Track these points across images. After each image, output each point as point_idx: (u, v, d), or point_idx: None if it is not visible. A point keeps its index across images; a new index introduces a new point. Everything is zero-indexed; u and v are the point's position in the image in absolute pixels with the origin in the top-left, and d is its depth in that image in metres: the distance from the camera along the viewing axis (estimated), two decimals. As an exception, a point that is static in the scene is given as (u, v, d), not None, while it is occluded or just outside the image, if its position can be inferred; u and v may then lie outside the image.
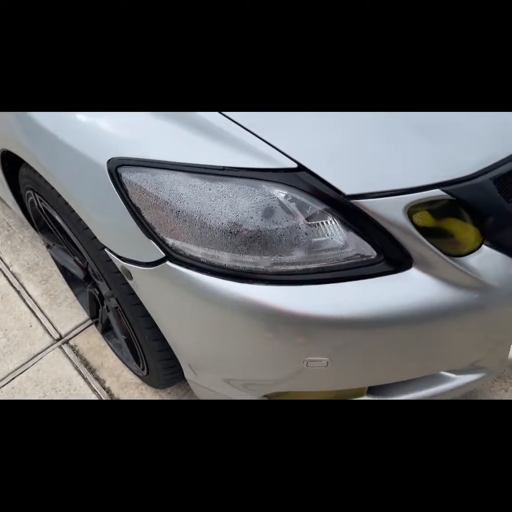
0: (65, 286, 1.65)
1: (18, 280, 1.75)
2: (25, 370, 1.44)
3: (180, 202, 0.73)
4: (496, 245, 0.83)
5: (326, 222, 0.75)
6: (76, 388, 1.39)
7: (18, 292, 1.70)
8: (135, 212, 0.77)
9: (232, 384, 0.94)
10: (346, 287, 0.78)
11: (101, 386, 1.40)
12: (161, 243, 0.78)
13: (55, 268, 1.65)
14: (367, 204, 0.74)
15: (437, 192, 0.75)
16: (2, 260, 1.84)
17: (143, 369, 1.18)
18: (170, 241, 0.77)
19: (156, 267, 0.80)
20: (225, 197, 0.73)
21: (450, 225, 0.80)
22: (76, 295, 1.52)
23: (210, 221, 0.73)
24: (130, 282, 0.88)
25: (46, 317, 1.61)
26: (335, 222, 0.75)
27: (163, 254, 0.79)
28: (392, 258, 0.79)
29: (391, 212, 0.74)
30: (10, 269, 1.80)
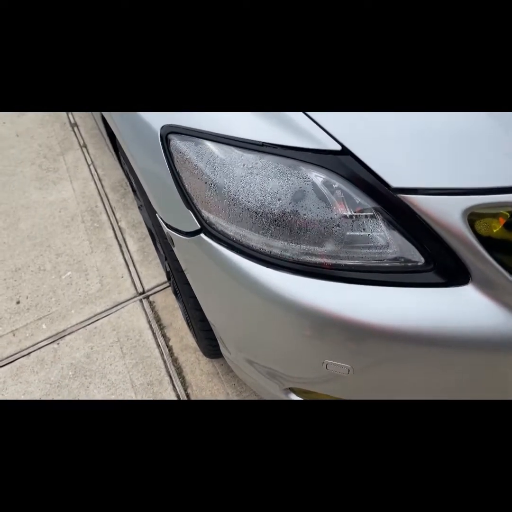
0: (157, 246, 1.78)
1: (122, 234, 1.93)
2: (108, 315, 1.60)
3: (214, 174, 0.72)
4: None
5: (366, 216, 0.66)
6: (144, 340, 1.50)
7: (120, 245, 1.88)
8: (177, 179, 0.78)
9: (256, 368, 0.91)
10: (381, 292, 0.69)
11: (166, 343, 1.48)
12: (198, 215, 0.77)
13: (153, 228, 1.79)
14: (417, 201, 0.63)
15: (508, 198, 0.61)
16: (114, 215, 2.04)
17: (194, 336, 1.21)
18: (205, 213, 0.76)
19: (192, 237, 0.80)
20: (257, 174, 0.69)
21: (527, 240, 0.65)
22: (158, 255, 1.62)
23: (239, 197, 0.70)
24: (174, 249, 0.90)
25: (136, 271, 1.76)
26: (377, 218, 0.66)
27: (199, 226, 0.78)
28: (444, 268, 0.67)
29: (446, 214, 0.63)
30: (119, 224, 1.99)
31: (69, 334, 1.57)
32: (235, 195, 0.70)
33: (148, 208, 0.97)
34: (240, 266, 0.75)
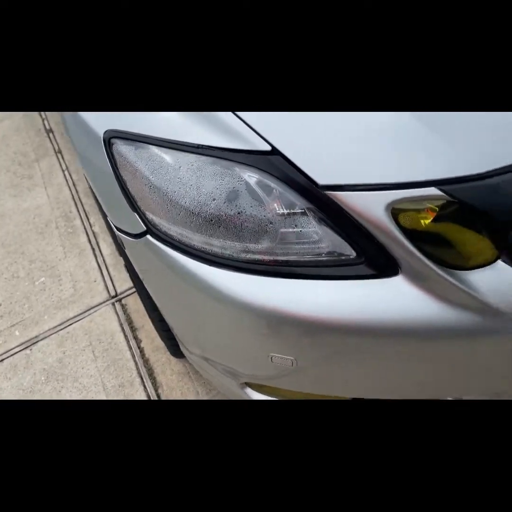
0: (130, 249, 1.80)
1: (96, 239, 1.95)
2: (80, 320, 1.62)
3: (153, 176, 0.74)
4: (517, 263, 0.68)
5: (297, 213, 0.69)
6: (116, 343, 1.52)
7: (93, 249, 1.90)
8: (121, 183, 0.80)
9: (212, 365, 0.94)
10: (317, 286, 0.71)
11: (137, 345, 1.50)
12: (143, 217, 0.80)
13: (125, 232, 1.81)
14: (343, 197, 0.66)
15: (431, 191, 0.64)
16: (88, 220, 2.06)
17: (160, 337, 1.23)
18: (149, 215, 0.79)
19: (140, 239, 0.83)
20: (194, 175, 0.71)
21: (451, 232, 0.68)
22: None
23: (177, 198, 0.72)
24: (125, 251, 0.92)
25: (109, 274, 1.77)
26: (308, 214, 0.69)
27: (145, 228, 0.80)
28: (374, 261, 0.70)
29: (370, 209, 0.66)
30: (92, 228, 2.00)
31: (41, 340, 1.58)
32: (173, 197, 0.72)
33: (101, 211, 0.99)
34: (184, 265, 0.77)
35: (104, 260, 1.84)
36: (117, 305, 1.64)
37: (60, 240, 1.97)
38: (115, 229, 0.89)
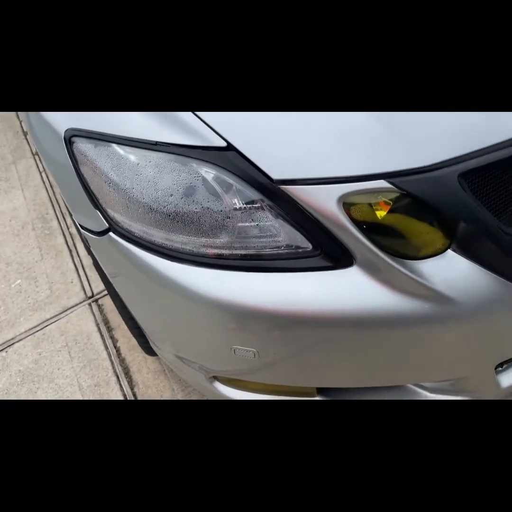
0: (107, 249, 1.80)
1: (73, 240, 1.94)
2: (57, 321, 1.61)
3: (113, 173, 0.75)
4: (465, 252, 0.71)
5: (254, 208, 0.71)
6: (92, 343, 1.52)
7: (70, 250, 1.89)
8: (83, 180, 0.81)
9: (182, 360, 0.95)
10: (276, 278, 0.73)
11: (113, 344, 1.51)
12: (105, 214, 0.81)
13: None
14: (296, 191, 0.68)
15: (380, 184, 0.66)
16: (65, 221, 2.05)
17: (132, 335, 1.24)
18: (111, 212, 0.79)
19: (103, 237, 0.83)
20: (151, 172, 0.72)
21: (402, 224, 0.70)
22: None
23: (136, 195, 0.73)
24: (91, 248, 0.92)
25: (86, 275, 1.77)
26: (265, 209, 0.70)
27: (107, 225, 0.81)
28: (330, 253, 0.72)
29: (323, 202, 0.67)
30: (69, 230, 2.00)
31: (17, 341, 1.57)
32: (132, 193, 0.73)
33: (68, 210, 1.00)
34: (146, 261, 0.78)
35: (80, 261, 1.83)
36: (94, 306, 1.64)
37: (37, 242, 1.96)
38: (79, 227, 0.90)
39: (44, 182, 2.32)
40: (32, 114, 0.92)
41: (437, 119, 0.68)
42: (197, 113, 0.71)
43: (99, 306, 1.64)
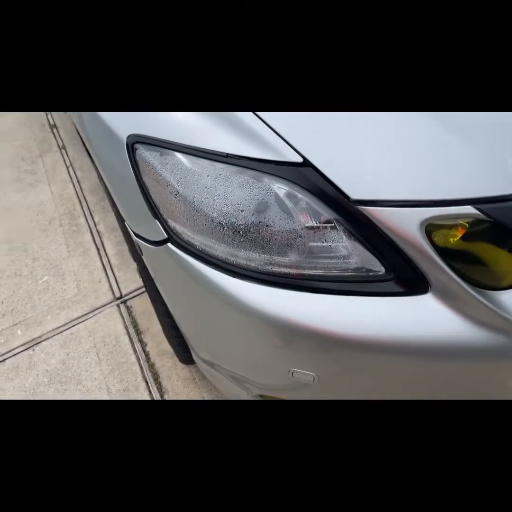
0: (136, 250, 1.78)
1: (100, 238, 1.92)
2: (84, 320, 1.59)
3: (179, 184, 0.72)
4: (549, 285, 0.67)
5: (327, 227, 0.67)
6: (121, 346, 1.50)
7: (98, 249, 1.87)
8: (144, 189, 0.78)
9: (225, 375, 0.92)
10: (345, 301, 0.70)
11: (142, 349, 1.48)
12: (164, 225, 0.78)
13: (131, 232, 1.79)
14: (376, 212, 0.64)
15: (467, 210, 0.63)
16: (92, 218, 2.03)
17: (169, 343, 1.21)
18: (171, 223, 0.77)
19: (160, 247, 0.81)
20: (221, 185, 0.69)
21: (483, 251, 0.67)
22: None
23: (203, 208, 0.70)
24: (142, 257, 0.90)
25: (114, 275, 1.75)
26: (338, 229, 0.67)
27: (166, 236, 0.78)
28: (404, 278, 0.68)
29: (404, 225, 0.64)
30: (97, 227, 1.98)
31: (45, 340, 1.55)
32: (200, 206, 0.71)
33: (117, 216, 0.97)
34: (206, 275, 0.75)
35: (109, 261, 1.81)
36: (122, 307, 1.62)
37: (64, 238, 1.94)
38: (133, 235, 0.87)
39: (71, 177, 2.31)
40: (88, 115, 0.89)
41: None
42: (271, 124, 0.68)
43: (128, 308, 1.61)
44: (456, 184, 0.63)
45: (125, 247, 1.86)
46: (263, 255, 0.70)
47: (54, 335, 1.56)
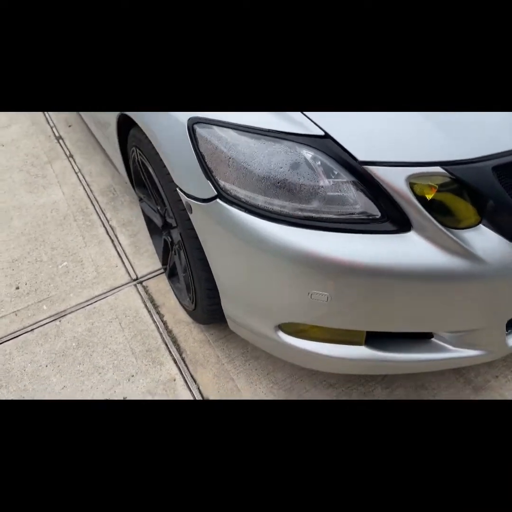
0: (148, 241, 2.00)
1: (113, 231, 2.13)
2: (105, 297, 1.79)
3: (232, 152, 0.98)
4: (493, 226, 0.96)
5: (341, 182, 0.95)
6: (140, 317, 1.70)
7: (112, 240, 2.08)
8: (200, 158, 1.04)
9: (251, 311, 1.16)
10: (351, 238, 0.97)
11: (160, 319, 1.69)
12: (216, 184, 1.03)
13: (143, 226, 2.01)
14: (375, 170, 0.92)
15: (437, 169, 0.92)
16: (104, 215, 2.24)
17: (192, 302, 1.44)
18: (221, 182, 1.02)
19: (210, 203, 1.06)
20: (264, 151, 0.96)
21: (449, 200, 0.95)
22: (154, 244, 1.84)
23: (251, 167, 0.97)
24: (190, 216, 1.14)
25: (129, 261, 1.96)
26: (349, 182, 0.95)
27: (216, 193, 1.04)
28: (394, 220, 0.96)
29: (394, 180, 0.92)
30: (109, 223, 2.19)
31: (70, 313, 1.74)
32: (248, 166, 0.97)
33: (166, 185, 1.22)
34: (247, 222, 1.00)
35: (123, 250, 2.03)
36: (139, 287, 1.83)
37: (80, 231, 2.14)
38: (184, 196, 1.12)
39: (80, 181, 2.52)
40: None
41: (481, 120, 0.94)
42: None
43: (144, 287, 1.82)
44: (429, 151, 0.92)
45: (137, 239, 2.07)
46: (293, 203, 0.97)
47: (77, 309, 1.75)
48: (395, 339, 1.14)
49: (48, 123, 3.17)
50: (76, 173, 2.60)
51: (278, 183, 0.96)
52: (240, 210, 1.01)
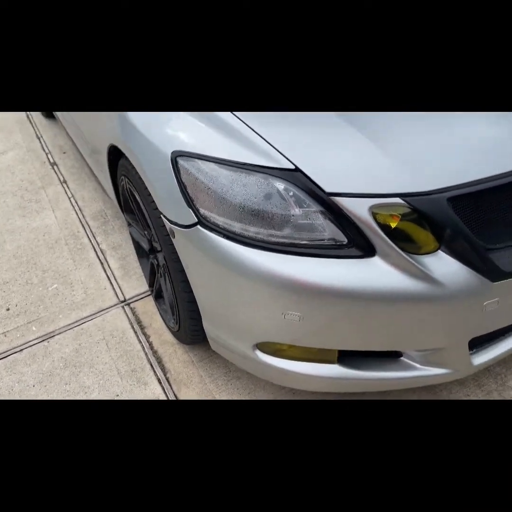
0: (137, 264, 2.06)
1: (103, 255, 2.20)
2: (93, 319, 1.84)
3: (211, 182, 1.07)
4: (451, 252, 1.05)
5: (310, 211, 1.03)
6: (127, 337, 1.75)
7: (102, 263, 2.15)
8: (182, 188, 1.12)
9: (230, 331, 1.22)
10: (321, 262, 1.04)
11: (146, 339, 1.75)
12: (196, 212, 1.11)
13: (133, 250, 2.08)
14: (341, 201, 1.01)
15: (396, 200, 1.01)
16: (95, 238, 2.32)
17: (176, 323, 1.50)
18: (201, 210, 1.10)
19: (191, 229, 1.14)
20: (240, 182, 1.05)
21: (409, 228, 1.04)
22: (142, 267, 1.91)
23: (228, 197, 1.05)
24: (173, 240, 1.22)
25: (118, 284, 2.02)
26: (317, 212, 1.03)
27: (196, 220, 1.12)
28: (360, 246, 1.04)
29: (358, 209, 1.01)
30: (100, 246, 2.26)
31: (58, 334, 1.79)
32: (225, 196, 1.05)
33: (151, 212, 1.30)
34: (225, 247, 1.08)
35: (112, 273, 2.09)
36: (127, 308, 1.89)
37: (70, 254, 2.21)
38: (167, 222, 1.20)
39: (73, 206, 2.60)
40: (136, 133, 1.24)
41: (438, 153, 1.04)
42: (273, 144, 1.05)
43: (131, 309, 1.88)
44: (389, 183, 1.01)
45: (126, 262, 2.14)
46: (267, 229, 1.05)
47: (66, 330, 1.80)
48: (366, 358, 1.21)
49: (43, 149, 3.27)
50: (69, 198, 2.68)
51: (253, 211, 1.04)
52: (219, 235, 1.09)
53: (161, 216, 1.23)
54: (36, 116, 3.84)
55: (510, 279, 1.07)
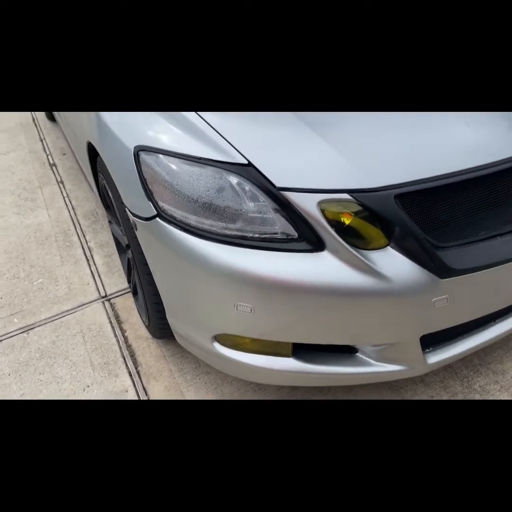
0: (120, 261, 2.11)
1: (90, 252, 2.26)
2: (73, 313, 1.89)
3: (169, 176, 1.10)
4: (400, 248, 1.07)
5: (261, 205, 1.06)
6: (104, 331, 1.79)
7: (88, 260, 2.20)
8: (143, 181, 1.16)
9: (189, 323, 1.25)
10: (273, 255, 1.07)
11: (122, 334, 1.78)
12: (155, 205, 1.15)
13: (118, 247, 2.13)
14: (291, 195, 1.04)
15: (344, 196, 1.03)
16: (84, 236, 2.37)
17: (147, 317, 1.53)
18: (160, 203, 1.14)
19: (151, 221, 1.17)
20: (196, 176, 1.08)
21: (358, 224, 1.06)
22: (122, 263, 1.95)
23: (184, 190, 1.08)
24: (136, 233, 1.26)
25: (101, 280, 2.07)
26: (268, 206, 1.06)
27: (155, 212, 1.15)
28: (310, 240, 1.06)
29: (307, 204, 1.03)
30: (88, 244, 2.32)
31: (38, 326, 1.83)
32: (181, 189, 1.09)
33: (119, 206, 1.34)
34: (182, 239, 1.11)
35: (96, 269, 2.14)
36: (107, 303, 1.93)
37: (59, 251, 2.27)
38: (130, 215, 1.24)
39: (67, 205, 2.67)
40: (107, 130, 1.29)
41: (385, 151, 1.06)
42: (229, 140, 1.09)
43: (111, 304, 1.92)
44: (337, 178, 1.04)
45: (111, 259, 2.19)
46: (220, 222, 1.08)
47: (46, 323, 1.84)
48: (321, 352, 1.23)
49: (45, 151, 3.36)
50: (64, 197, 2.75)
51: (207, 204, 1.07)
52: (176, 228, 1.12)
53: (126, 209, 1.27)
54: (41, 119, 3.95)
55: (459, 277, 1.08)
